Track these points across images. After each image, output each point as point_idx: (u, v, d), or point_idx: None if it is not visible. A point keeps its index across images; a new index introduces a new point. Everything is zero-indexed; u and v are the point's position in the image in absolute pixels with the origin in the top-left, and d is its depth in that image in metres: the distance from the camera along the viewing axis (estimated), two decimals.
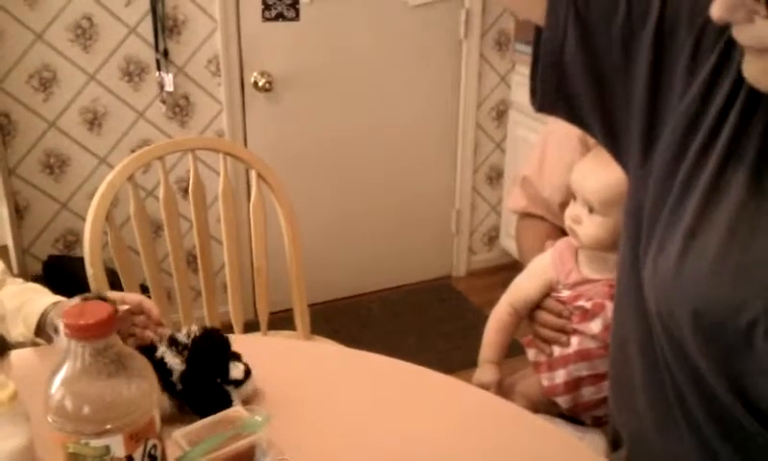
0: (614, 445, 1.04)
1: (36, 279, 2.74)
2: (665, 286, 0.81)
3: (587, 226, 1.30)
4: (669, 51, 0.83)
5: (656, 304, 0.84)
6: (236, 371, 1.08)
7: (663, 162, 0.84)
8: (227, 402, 1.04)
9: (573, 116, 0.95)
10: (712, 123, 0.80)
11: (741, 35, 0.71)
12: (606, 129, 0.92)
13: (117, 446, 0.78)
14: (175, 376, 1.05)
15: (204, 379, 1.06)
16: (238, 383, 1.07)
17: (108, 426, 0.77)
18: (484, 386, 1.37)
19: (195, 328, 1.13)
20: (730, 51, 0.79)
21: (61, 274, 2.75)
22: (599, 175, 1.27)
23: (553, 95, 0.94)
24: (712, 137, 0.80)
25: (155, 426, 0.81)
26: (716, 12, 0.70)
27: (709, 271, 0.77)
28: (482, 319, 1.49)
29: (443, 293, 3.57)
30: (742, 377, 0.77)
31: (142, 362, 0.82)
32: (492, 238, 3.73)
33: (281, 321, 2.13)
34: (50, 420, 0.78)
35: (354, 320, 3.30)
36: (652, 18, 0.83)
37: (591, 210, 1.29)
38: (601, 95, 0.89)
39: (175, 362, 1.06)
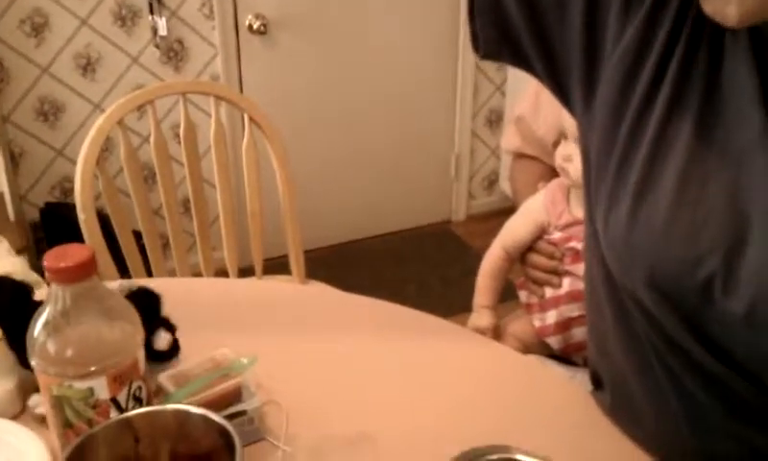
0: (596, 384, 1.04)
1: (33, 227, 2.77)
2: (618, 245, 0.79)
3: (577, 163, 1.28)
4: None
5: (610, 261, 0.82)
6: (160, 341, 0.99)
7: (606, 112, 0.81)
8: None
9: (519, 60, 0.92)
10: (652, 71, 0.77)
11: None
12: (549, 72, 0.89)
13: (101, 388, 0.77)
14: None
15: None
16: (160, 356, 0.98)
17: (92, 369, 0.77)
18: (479, 331, 1.37)
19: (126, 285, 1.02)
20: (663, 1, 0.76)
21: (59, 220, 2.75)
22: None
23: (495, 40, 0.91)
24: (654, 86, 0.77)
25: (139, 368, 0.81)
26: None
27: (661, 229, 0.75)
28: (481, 263, 1.48)
29: (442, 237, 3.57)
30: (705, 329, 0.76)
31: (124, 304, 0.81)
32: (492, 182, 3.72)
33: (278, 266, 2.13)
34: (33, 363, 0.78)
35: (353, 265, 3.31)
36: None
37: None
38: (541, 37, 0.87)
39: None
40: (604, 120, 0.81)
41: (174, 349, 1.01)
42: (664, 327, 0.79)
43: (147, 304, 0.98)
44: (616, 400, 0.97)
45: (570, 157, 1.29)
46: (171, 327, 1.02)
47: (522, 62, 0.92)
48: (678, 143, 0.75)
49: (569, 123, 1.29)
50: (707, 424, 0.83)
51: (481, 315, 1.42)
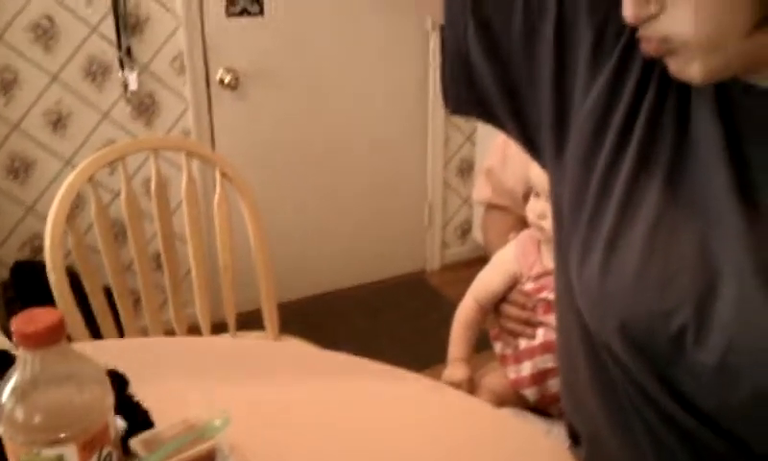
0: (574, 439, 1.03)
1: (4, 286, 2.73)
2: (591, 295, 0.79)
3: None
4: (571, 46, 0.82)
5: (584, 311, 0.82)
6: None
7: (576, 163, 0.82)
8: None
9: (488, 117, 0.93)
10: (622, 122, 0.78)
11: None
12: (520, 129, 0.90)
13: (71, 455, 0.76)
14: None
15: None
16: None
17: (62, 435, 0.75)
18: (455, 384, 1.36)
19: None
20: (632, 52, 0.78)
21: (30, 279, 2.71)
22: None
23: (465, 99, 0.92)
24: (623, 137, 0.78)
25: (109, 434, 0.79)
26: (627, 11, 0.69)
27: (632, 283, 0.75)
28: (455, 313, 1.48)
29: (417, 288, 3.57)
30: (676, 381, 0.76)
31: (94, 367, 0.80)
32: (465, 231, 3.73)
33: (252, 320, 2.11)
34: (1, 431, 0.76)
35: (328, 317, 3.29)
36: (551, 11, 0.82)
37: None
38: (511, 96, 0.87)
39: None
40: (574, 172, 0.82)
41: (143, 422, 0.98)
42: (639, 380, 0.79)
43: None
44: (593, 456, 0.96)
45: (545, 214, 1.30)
46: (136, 409, 0.99)
47: (492, 120, 0.92)
48: (648, 194, 0.76)
49: (537, 179, 1.30)
50: None
51: (455, 368, 1.41)
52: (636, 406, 0.82)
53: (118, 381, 1.01)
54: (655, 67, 0.77)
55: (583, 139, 0.81)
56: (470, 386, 1.40)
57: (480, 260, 1.44)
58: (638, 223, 0.76)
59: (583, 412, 0.95)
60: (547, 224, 1.29)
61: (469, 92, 0.91)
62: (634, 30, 0.73)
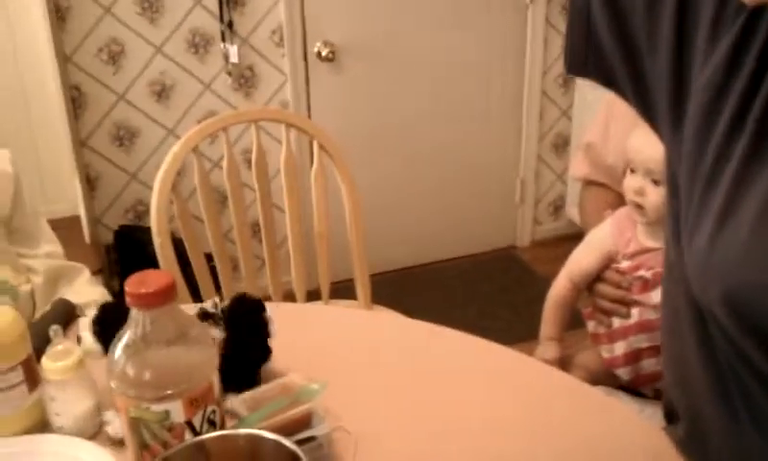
0: (669, 418, 1.02)
1: (107, 249, 2.85)
2: (699, 266, 0.79)
3: (652, 198, 1.26)
4: (692, 19, 0.80)
5: (692, 281, 0.82)
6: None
7: (693, 136, 0.81)
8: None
9: (605, 79, 0.93)
10: (738, 101, 0.76)
11: None
12: (637, 94, 0.89)
13: (177, 411, 0.80)
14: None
15: (246, 344, 1.05)
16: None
17: (168, 392, 0.79)
18: (548, 363, 1.35)
19: (217, 300, 1.11)
20: (753, 27, 0.76)
21: (132, 243, 2.82)
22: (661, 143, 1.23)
23: (585, 58, 0.92)
24: (740, 116, 0.76)
25: (213, 392, 0.83)
26: None
27: (741, 253, 0.74)
28: (547, 290, 1.46)
29: (507, 263, 3.55)
30: None
31: (202, 329, 0.83)
32: (558, 208, 3.68)
33: (344, 290, 2.15)
34: (113, 385, 0.80)
35: (418, 290, 3.31)
36: None
37: (656, 182, 1.25)
38: (631, 61, 0.87)
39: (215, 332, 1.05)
40: (692, 145, 0.82)
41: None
42: (742, 349, 0.79)
43: (254, 307, 1.09)
44: (691, 433, 0.95)
45: (643, 191, 1.27)
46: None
47: (611, 84, 0.93)
48: (764, 169, 0.75)
49: (635, 153, 1.27)
50: None
51: (547, 347, 1.40)
52: (738, 375, 0.81)
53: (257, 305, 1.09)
54: None
55: (700, 111, 0.80)
56: (562, 366, 1.39)
57: (572, 237, 1.43)
58: (752, 196, 0.75)
59: (685, 385, 0.95)
60: (648, 201, 1.27)
61: (590, 54, 0.91)
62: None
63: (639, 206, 1.29)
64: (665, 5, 0.82)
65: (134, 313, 0.79)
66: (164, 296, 0.78)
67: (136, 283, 0.78)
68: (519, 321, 3.02)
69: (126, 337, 0.80)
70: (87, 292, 1.45)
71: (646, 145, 1.25)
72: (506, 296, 3.26)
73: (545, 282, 1.44)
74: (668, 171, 0.89)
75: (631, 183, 1.30)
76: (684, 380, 0.95)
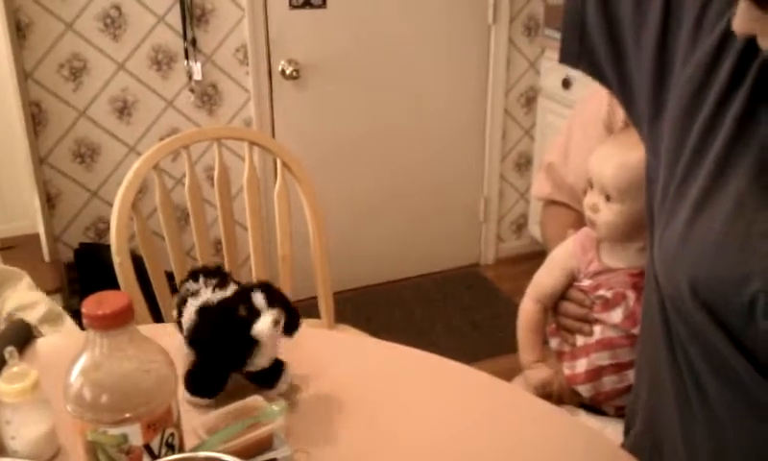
0: (627, 427, 1.04)
1: (68, 267, 2.81)
2: (670, 257, 0.82)
3: (604, 214, 1.28)
4: (678, 13, 0.84)
5: (660, 273, 0.85)
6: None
7: (671, 131, 0.85)
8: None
9: (594, 70, 0.98)
10: (719, 96, 0.80)
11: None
12: (622, 90, 0.94)
13: (135, 434, 0.79)
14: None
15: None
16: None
17: (127, 415, 0.78)
18: (545, 383, 1.35)
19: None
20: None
21: (93, 261, 2.78)
22: (614, 159, 1.25)
23: (575, 48, 0.98)
24: (719, 110, 0.80)
25: (172, 415, 0.82)
26: (737, 26, 0.71)
27: (714, 243, 0.78)
28: (511, 307, 1.46)
29: (471, 281, 3.57)
30: (742, 339, 0.78)
31: (161, 351, 0.82)
32: (521, 226, 3.71)
33: (308, 308, 2.13)
34: (69, 409, 0.79)
35: (382, 307, 3.31)
36: None
37: (608, 198, 1.27)
38: (617, 58, 0.92)
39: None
40: (669, 142, 0.85)
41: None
42: (704, 340, 0.82)
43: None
44: (646, 435, 0.98)
45: (596, 207, 1.29)
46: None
47: (597, 74, 0.98)
48: (742, 163, 0.78)
49: (595, 171, 1.29)
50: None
51: (536, 371, 1.38)
52: (694, 369, 0.85)
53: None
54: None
55: (679, 108, 0.84)
56: (558, 383, 1.37)
57: (535, 255, 1.43)
58: (728, 190, 0.78)
59: (651, 388, 0.99)
60: (599, 218, 1.28)
61: (582, 51, 0.97)
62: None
63: (591, 222, 1.31)
64: (652, 7, 0.86)
65: (91, 335, 0.78)
66: (121, 317, 0.77)
67: (93, 304, 0.77)
68: (483, 338, 3.03)
69: (82, 359, 0.78)
70: (28, 297, 1.44)
71: (601, 163, 1.28)
72: (470, 313, 3.27)
73: (509, 300, 1.44)
74: (646, 168, 0.93)
75: (587, 200, 1.32)
76: (652, 383, 0.98)
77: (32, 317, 1.35)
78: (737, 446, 0.83)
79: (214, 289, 1.06)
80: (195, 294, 1.07)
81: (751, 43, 0.76)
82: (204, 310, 1.04)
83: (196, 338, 1.05)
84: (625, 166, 1.23)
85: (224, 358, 1.03)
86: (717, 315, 0.78)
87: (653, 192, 0.90)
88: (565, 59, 1.01)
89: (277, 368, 1.07)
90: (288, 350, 1.23)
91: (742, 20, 0.70)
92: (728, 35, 0.79)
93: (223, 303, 1.04)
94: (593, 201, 1.30)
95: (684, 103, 0.83)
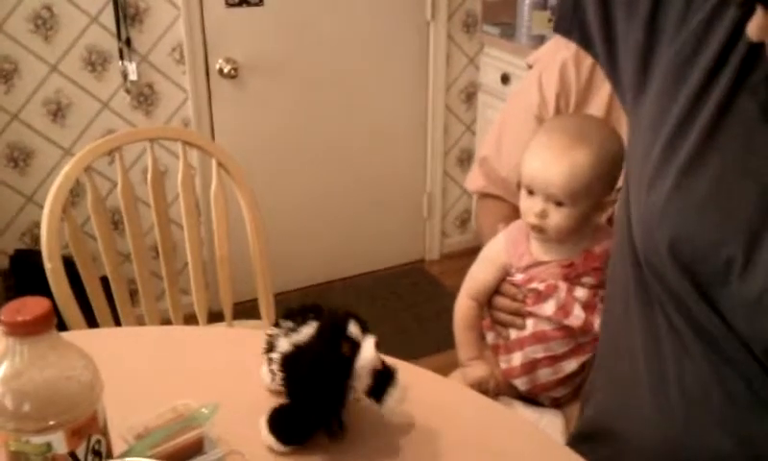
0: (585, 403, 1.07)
1: (3, 274, 2.74)
2: (653, 218, 0.86)
3: (555, 219, 1.25)
4: None
5: (641, 239, 0.89)
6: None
7: (656, 100, 0.89)
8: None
9: (584, 43, 1.03)
10: (709, 66, 0.84)
11: None
12: (609, 60, 0.98)
13: (59, 442, 0.77)
14: None
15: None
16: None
17: (50, 423, 0.76)
18: (482, 381, 1.33)
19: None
20: (723, 4, 0.84)
21: (29, 267, 2.72)
22: (560, 165, 1.22)
23: (569, 16, 1.02)
24: (709, 80, 0.84)
25: (98, 422, 0.80)
26: (751, 33, 0.75)
27: (697, 206, 0.82)
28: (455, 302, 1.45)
29: (416, 277, 3.58)
30: (717, 301, 0.82)
31: (83, 357, 0.81)
32: (465, 221, 3.74)
33: (250, 310, 2.12)
34: None
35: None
36: None
37: (559, 203, 1.24)
38: (608, 31, 0.96)
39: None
40: (653, 111, 0.89)
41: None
42: (682, 297, 0.86)
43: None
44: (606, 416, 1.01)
45: (545, 213, 1.26)
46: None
47: (587, 45, 1.02)
48: (727, 137, 0.83)
49: (534, 179, 1.26)
50: (704, 411, 0.87)
51: (474, 367, 1.37)
52: (674, 330, 0.89)
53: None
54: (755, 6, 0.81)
55: (668, 73, 0.88)
56: (495, 379, 1.36)
57: (480, 250, 1.43)
58: (715, 157, 0.83)
59: (616, 371, 1.02)
60: (550, 223, 1.26)
61: (575, 22, 1.01)
62: None
63: (540, 229, 1.28)
64: None
65: (11, 342, 0.76)
66: (41, 324, 0.75)
67: (12, 311, 0.75)
68: (429, 334, 3.05)
69: (2, 368, 0.76)
70: None
71: (544, 169, 1.24)
72: (415, 309, 3.28)
73: (454, 295, 1.43)
74: (628, 139, 0.99)
75: (530, 206, 1.28)
76: (616, 359, 1.03)
77: None
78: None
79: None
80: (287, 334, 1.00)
81: (743, 17, 0.80)
82: (300, 354, 0.95)
83: (295, 385, 0.95)
84: (574, 173, 1.21)
85: (325, 401, 0.94)
86: (695, 276, 0.83)
87: (631, 159, 0.94)
88: (559, 28, 1.05)
89: (385, 378, 0.97)
90: (227, 351, 1.22)
91: (758, 28, 0.74)
92: (719, 7, 0.83)
93: (321, 345, 0.95)
94: (539, 208, 1.26)
95: (673, 71, 0.87)
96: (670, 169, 0.85)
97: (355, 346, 0.92)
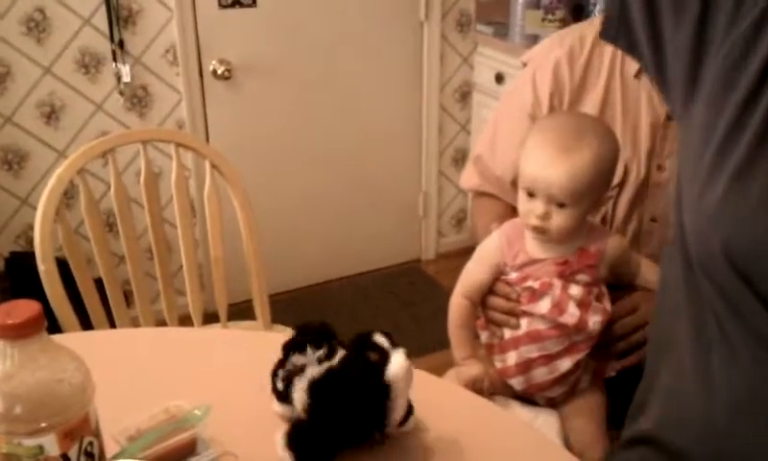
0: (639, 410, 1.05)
1: None
2: (708, 219, 0.85)
3: (557, 221, 1.24)
4: None
5: (695, 241, 0.89)
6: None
7: (706, 108, 0.88)
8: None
9: (630, 49, 1.01)
10: (760, 70, 0.83)
11: None
12: (656, 65, 0.97)
13: (51, 444, 0.77)
14: None
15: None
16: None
17: (42, 425, 0.76)
18: (476, 380, 1.32)
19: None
20: None
21: (24, 270, 2.71)
22: (562, 167, 1.21)
23: (614, 27, 1.00)
24: (760, 85, 0.83)
25: (90, 423, 0.80)
26: None
27: (751, 209, 0.81)
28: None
29: (413, 276, 3.58)
30: None
31: (75, 359, 0.80)
32: (461, 220, 3.74)
33: (245, 310, 2.12)
34: None
35: (324, 307, 3.30)
36: None
37: (561, 204, 1.23)
38: (654, 35, 0.94)
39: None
40: (704, 115, 0.88)
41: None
42: (734, 300, 0.85)
43: None
44: (665, 417, 1.00)
45: (548, 215, 1.24)
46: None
47: (634, 52, 1.00)
48: None
49: (534, 180, 1.24)
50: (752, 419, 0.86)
51: (469, 366, 1.36)
52: (727, 336, 0.87)
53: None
54: None
55: (718, 79, 0.87)
56: (489, 379, 1.35)
57: (475, 249, 1.42)
58: (767, 163, 0.82)
59: (669, 364, 1.00)
60: (553, 225, 1.25)
61: (621, 26, 0.99)
62: None
63: (542, 230, 1.26)
64: None
65: (1, 345, 0.75)
66: (32, 327, 0.75)
67: (3, 314, 0.75)
68: (425, 333, 3.04)
69: None
70: None
71: (546, 171, 1.22)
72: (412, 309, 3.28)
73: (450, 294, 1.42)
74: (679, 145, 0.97)
75: (531, 208, 1.26)
76: (670, 359, 1.00)
77: None
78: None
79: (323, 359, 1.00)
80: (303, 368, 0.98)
81: None
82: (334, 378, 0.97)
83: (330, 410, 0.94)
84: (577, 173, 1.20)
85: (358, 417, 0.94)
86: (749, 279, 0.81)
87: (683, 163, 0.93)
88: (606, 35, 1.03)
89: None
90: (221, 352, 1.22)
91: None
92: None
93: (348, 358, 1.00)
94: (542, 210, 1.24)
95: (722, 76, 0.86)
96: (722, 175, 0.84)
97: (384, 354, 0.99)
